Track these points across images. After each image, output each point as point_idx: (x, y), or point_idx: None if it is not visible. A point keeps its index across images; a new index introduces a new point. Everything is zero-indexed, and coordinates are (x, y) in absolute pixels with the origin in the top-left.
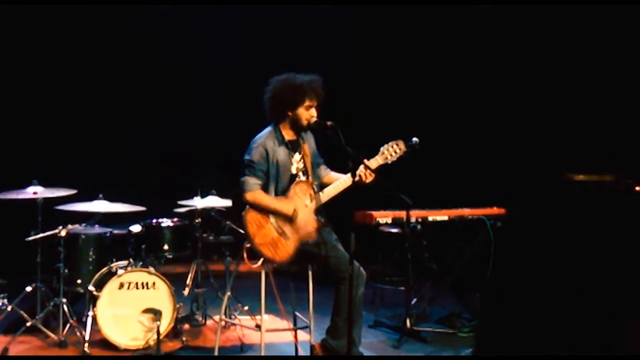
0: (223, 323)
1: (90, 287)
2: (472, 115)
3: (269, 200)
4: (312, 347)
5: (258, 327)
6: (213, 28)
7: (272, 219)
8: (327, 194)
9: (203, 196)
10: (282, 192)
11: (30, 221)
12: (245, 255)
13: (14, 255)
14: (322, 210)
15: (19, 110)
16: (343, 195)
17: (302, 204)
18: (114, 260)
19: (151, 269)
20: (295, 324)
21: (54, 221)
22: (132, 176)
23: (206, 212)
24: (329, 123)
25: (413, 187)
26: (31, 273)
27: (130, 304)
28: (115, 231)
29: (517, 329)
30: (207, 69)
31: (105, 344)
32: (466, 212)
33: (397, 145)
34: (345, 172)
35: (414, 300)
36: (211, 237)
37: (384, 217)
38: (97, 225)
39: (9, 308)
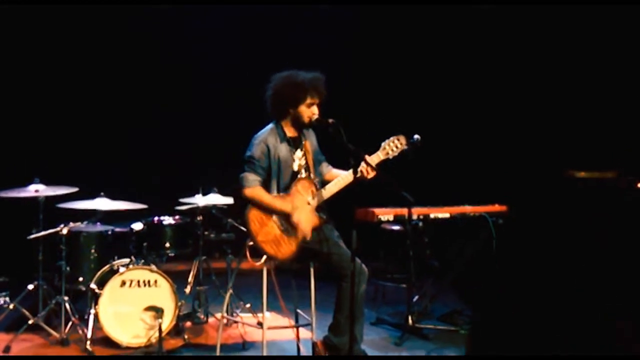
0: (225, 321)
1: (92, 285)
2: (473, 113)
3: (267, 197)
4: (314, 345)
5: (260, 324)
6: (213, 28)
7: (274, 217)
8: (328, 191)
9: (204, 194)
10: (283, 188)
11: (31, 219)
12: (247, 253)
13: (15, 253)
14: (324, 207)
15: (21, 109)
16: (345, 192)
17: (303, 201)
18: (116, 258)
19: (153, 267)
20: (297, 321)
21: (55, 219)
22: (134, 174)
23: (207, 209)
24: (330, 120)
25: (415, 185)
26: (33, 271)
27: (132, 302)
28: (117, 229)
29: (517, 328)
30: (207, 69)
31: (107, 341)
32: (468, 209)
33: (398, 140)
34: (347, 169)
35: (416, 298)
36: (213, 235)
37: (385, 214)
38: (98, 223)
39: (11, 306)
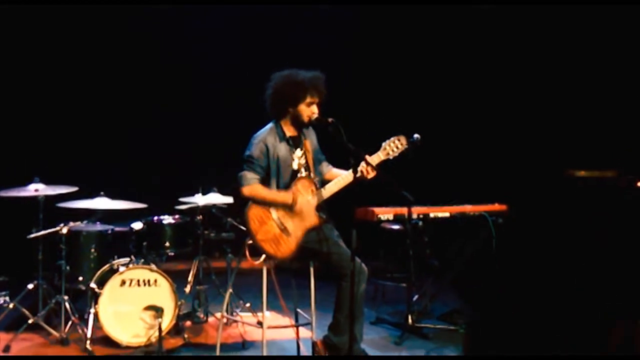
0: (225, 320)
1: (92, 285)
2: (473, 112)
3: (266, 192)
4: (313, 344)
5: (260, 324)
6: (213, 28)
7: (274, 216)
8: (328, 190)
9: (204, 193)
10: (283, 188)
11: (31, 219)
12: (247, 251)
13: (15, 253)
14: (324, 207)
15: (21, 109)
16: (344, 191)
17: (304, 200)
18: (116, 257)
19: (153, 266)
20: (297, 320)
21: (55, 218)
22: (134, 174)
23: (207, 209)
24: (329, 120)
25: (414, 184)
26: (33, 270)
27: (132, 301)
28: (117, 228)
29: (516, 327)
30: (207, 69)
31: (107, 341)
32: (468, 208)
33: (398, 140)
34: (347, 169)
35: (416, 297)
36: (212, 234)
37: (385, 213)
38: (98, 223)
39: (11, 305)
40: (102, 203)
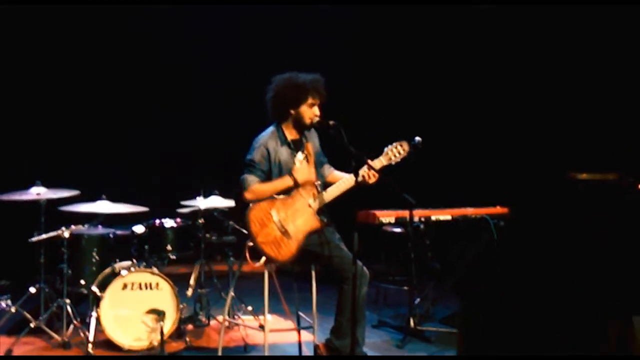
0: (226, 323)
1: (94, 288)
2: (474, 114)
3: (266, 186)
4: (315, 347)
5: (261, 327)
6: (213, 28)
7: (275, 218)
8: (330, 194)
9: (206, 196)
10: (284, 191)
11: (33, 222)
12: (247, 254)
13: (17, 257)
14: (326, 210)
15: (22, 112)
16: (346, 194)
17: (305, 204)
18: (117, 261)
19: (154, 270)
20: (298, 324)
21: (57, 222)
22: (135, 177)
23: (209, 212)
24: (331, 122)
25: (416, 187)
26: (34, 274)
27: (134, 305)
28: (118, 232)
29: (519, 329)
30: (207, 69)
31: (109, 344)
32: (469, 211)
33: (400, 146)
34: (349, 171)
35: (418, 300)
36: (214, 238)
37: (387, 216)
38: (100, 226)
39: (13, 309)
40: (103, 206)
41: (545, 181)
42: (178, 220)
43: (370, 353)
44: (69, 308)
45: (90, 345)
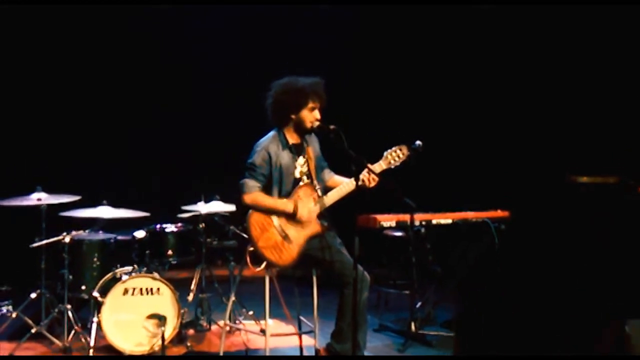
0: (228, 328)
1: (95, 293)
2: (475, 117)
3: (267, 200)
4: (317, 352)
5: (263, 331)
6: (213, 28)
7: (275, 223)
8: (330, 198)
9: (207, 201)
10: (285, 195)
11: (34, 228)
12: (248, 258)
13: (18, 262)
14: (326, 214)
15: (22, 117)
16: (347, 199)
17: (305, 208)
18: (118, 266)
19: (155, 275)
20: (299, 328)
21: (58, 227)
22: (136, 182)
23: (210, 217)
24: (331, 127)
25: (417, 191)
26: (36, 279)
27: (135, 310)
28: (119, 237)
29: (520, 332)
30: (207, 69)
31: (110, 350)
32: (470, 215)
33: (400, 150)
34: (349, 175)
35: (419, 304)
36: (215, 242)
37: (388, 220)
38: (101, 231)
39: (14, 315)
40: (104, 212)
41: (545, 184)
42: (179, 225)
43: None
44: (70, 313)
45: (91, 351)
